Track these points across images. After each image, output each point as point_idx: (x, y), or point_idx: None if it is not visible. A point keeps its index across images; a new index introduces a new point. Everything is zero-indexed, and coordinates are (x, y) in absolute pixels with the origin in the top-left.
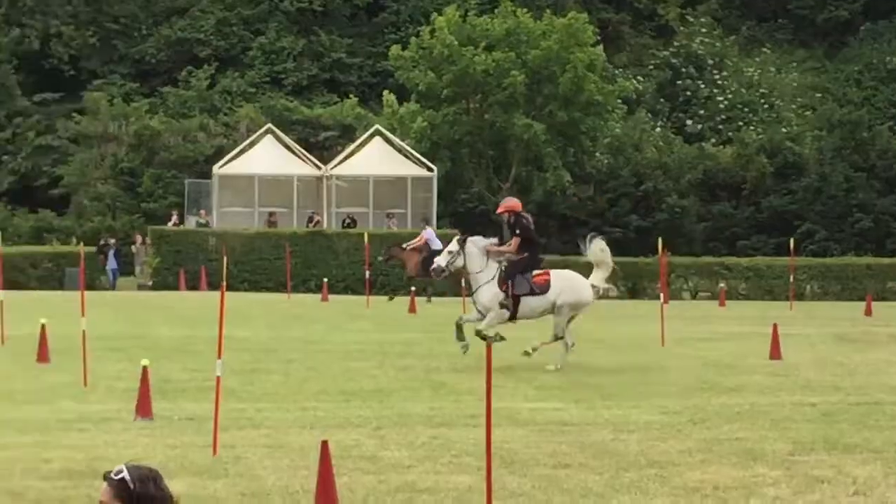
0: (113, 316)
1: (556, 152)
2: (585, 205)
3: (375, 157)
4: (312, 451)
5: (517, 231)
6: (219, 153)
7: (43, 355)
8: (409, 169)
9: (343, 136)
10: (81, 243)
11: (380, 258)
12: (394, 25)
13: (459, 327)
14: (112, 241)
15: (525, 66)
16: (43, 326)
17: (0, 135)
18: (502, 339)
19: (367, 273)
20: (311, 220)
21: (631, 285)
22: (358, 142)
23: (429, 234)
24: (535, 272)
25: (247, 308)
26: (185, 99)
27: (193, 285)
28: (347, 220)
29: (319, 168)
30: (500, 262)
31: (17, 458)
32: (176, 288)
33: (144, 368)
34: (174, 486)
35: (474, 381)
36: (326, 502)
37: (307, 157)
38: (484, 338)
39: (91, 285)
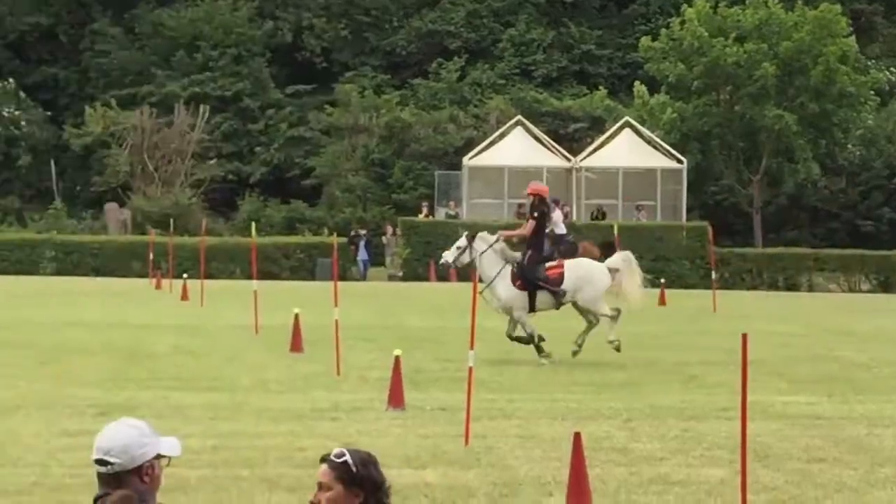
0: (364, 306)
1: (807, 144)
2: (837, 197)
3: (625, 149)
4: (564, 442)
5: (535, 214)
6: (468, 145)
7: (296, 345)
8: (658, 161)
9: (592, 128)
10: (334, 234)
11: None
12: (644, 17)
13: (538, 348)
14: (363, 231)
15: (776, 58)
16: (296, 316)
17: (253, 126)
18: (542, 339)
19: None
20: None
21: (883, 279)
22: (607, 133)
23: (556, 217)
24: (549, 265)
25: None
26: (435, 91)
27: (443, 276)
28: (596, 212)
29: (569, 160)
30: (506, 263)
31: (273, 446)
32: (426, 279)
33: (396, 358)
34: (426, 475)
35: (724, 374)
36: (579, 494)
37: (556, 149)
38: (531, 342)
39: (342, 276)
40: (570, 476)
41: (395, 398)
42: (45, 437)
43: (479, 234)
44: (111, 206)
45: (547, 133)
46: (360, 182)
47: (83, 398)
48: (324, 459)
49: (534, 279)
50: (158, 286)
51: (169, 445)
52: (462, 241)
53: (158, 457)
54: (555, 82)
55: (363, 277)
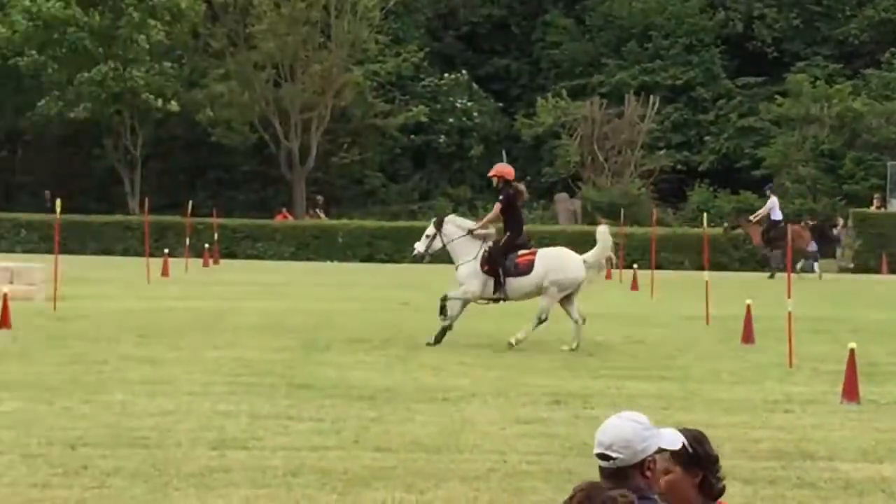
0: (815, 297)
1: None
2: None
3: None
4: None
5: (500, 197)
6: None
7: (748, 336)
8: None
9: None
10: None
11: (725, 224)
12: None
13: (443, 331)
14: (812, 223)
15: None
16: (748, 307)
17: (703, 117)
18: (449, 329)
19: None
20: None
21: None
22: None
23: (772, 203)
24: (521, 252)
25: None
26: (888, 80)
27: (895, 269)
28: None
29: None
30: (483, 242)
31: (726, 437)
32: (877, 271)
33: (851, 351)
34: (883, 469)
35: None
36: None
37: None
38: (443, 306)
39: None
40: None
41: (850, 391)
42: (500, 425)
43: (448, 218)
44: (561, 197)
45: None
46: (809, 173)
47: (537, 386)
48: None
49: (497, 264)
50: (608, 276)
51: (670, 438)
52: (430, 229)
53: (660, 450)
54: None
55: (812, 269)
